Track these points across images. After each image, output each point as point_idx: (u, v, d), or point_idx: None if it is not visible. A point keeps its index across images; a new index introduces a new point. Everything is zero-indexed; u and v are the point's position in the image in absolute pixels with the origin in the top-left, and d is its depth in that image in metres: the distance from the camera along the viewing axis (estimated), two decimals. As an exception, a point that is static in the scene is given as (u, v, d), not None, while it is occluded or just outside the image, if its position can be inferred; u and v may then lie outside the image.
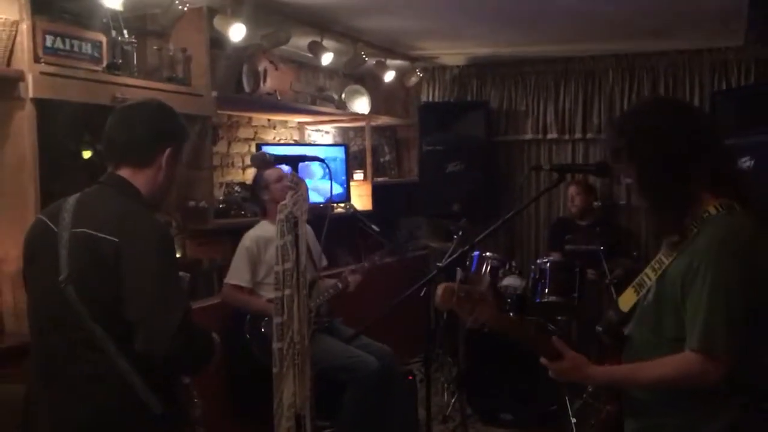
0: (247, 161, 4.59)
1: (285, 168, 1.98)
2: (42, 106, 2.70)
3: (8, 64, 2.64)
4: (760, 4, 3.73)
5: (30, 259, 1.88)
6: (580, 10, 4.00)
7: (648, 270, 1.76)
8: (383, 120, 5.69)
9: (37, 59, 2.68)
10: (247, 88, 4.17)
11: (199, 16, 3.57)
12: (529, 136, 5.64)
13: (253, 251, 3.40)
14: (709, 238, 1.60)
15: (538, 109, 5.59)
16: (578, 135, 5.46)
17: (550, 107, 5.54)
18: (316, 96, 5.09)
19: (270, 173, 3.51)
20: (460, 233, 4.33)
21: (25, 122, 2.66)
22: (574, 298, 4.15)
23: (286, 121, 5.07)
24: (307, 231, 3.66)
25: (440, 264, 2.75)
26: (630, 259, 4.50)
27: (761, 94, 4.65)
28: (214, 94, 3.64)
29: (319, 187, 4.63)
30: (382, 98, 5.80)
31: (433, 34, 4.69)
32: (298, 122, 5.20)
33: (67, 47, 2.81)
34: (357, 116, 5.26)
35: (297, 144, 5.14)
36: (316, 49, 4.33)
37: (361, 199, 5.21)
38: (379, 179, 5.63)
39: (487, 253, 4.53)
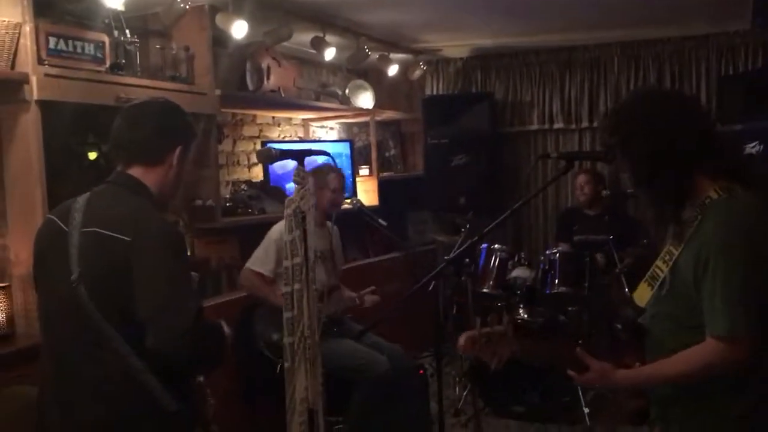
0: (253, 159, 4.58)
1: (291, 163, 1.97)
2: (46, 108, 2.70)
3: (12, 66, 2.64)
4: (765, -14, 3.70)
5: (40, 259, 1.88)
6: (583, -2, 3.98)
7: (659, 262, 1.76)
8: (387, 114, 5.67)
9: (40, 61, 2.69)
10: (250, 86, 4.16)
11: (200, 14, 3.57)
12: (535, 126, 5.61)
13: (281, 244, 3.41)
14: (714, 223, 1.61)
15: (543, 99, 5.56)
16: (585, 124, 5.43)
17: (556, 97, 5.51)
18: (319, 92, 5.08)
19: (335, 178, 3.58)
20: (467, 226, 4.31)
21: (30, 125, 2.66)
22: (584, 288, 4.13)
23: (290, 118, 5.06)
24: (334, 233, 3.73)
25: (448, 257, 2.73)
26: (640, 247, 4.47)
27: (769, 79, 4.61)
28: (218, 92, 3.63)
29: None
30: (386, 93, 5.78)
31: (435, 26, 4.67)
32: (303, 119, 5.19)
33: (70, 49, 2.82)
34: (361, 111, 5.25)
35: (302, 141, 5.13)
36: (318, 44, 4.31)
37: (367, 194, 5.20)
38: (385, 174, 5.62)
39: (496, 246, 4.52)
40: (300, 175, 1.89)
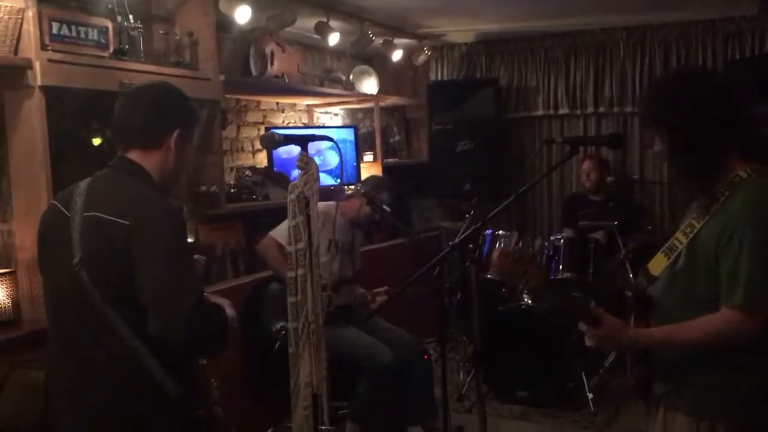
0: (257, 145, 4.58)
1: (294, 149, 1.97)
2: (50, 93, 2.70)
3: (15, 52, 2.64)
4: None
5: (44, 244, 1.89)
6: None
7: (679, 234, 1.79)
8: (392, 100, 5.65)
9: (44, 47, 2.68)
10: (254, 71, 4.15)
11: (204, 0, 3.55)
12: (540, 112, 5.59)
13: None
14: (743, 199, 1.65)
15: (548, 85, 5.53)
16: (590, 110, 5.41)
17: (561, 82, 5.48)
18: (323, 78, 5.06)
19: (386, 198, 3.72)
20: (472, 212, 4.31)
21: (34, 110, 2.66)
22: (588, 274, 4.13)
23: (294, 104, 5.05)
24: (358, 232, 3.78)
25: (452, 242, 2.73)
26: (644, 233, 4.46)
27: (776, 63, 4.57)
28: (222, 78, 3.62)
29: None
30: (390, 78, 5.76)
31: (440, 11, 4.64)
32: (307, 105, 5.17)
33: (74, 34, 2.80)
34: (365, 97, 5.23)
35: (306, 127, 5.12)
36: (322, 29, 4.30)
37: (371, 180, 5.19)
38: (389, 160, 5.61)
39: (500, 231, 4.52)
40: (304, 161, 1.89)
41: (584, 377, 4.05)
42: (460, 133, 5.40)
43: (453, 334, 4.85)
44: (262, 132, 4.62)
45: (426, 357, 3.79)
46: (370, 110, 5.56)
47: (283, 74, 4.37)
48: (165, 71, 3.22)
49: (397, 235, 5.13)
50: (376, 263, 3.79)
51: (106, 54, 2.94)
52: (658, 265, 1.82)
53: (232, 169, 4.36)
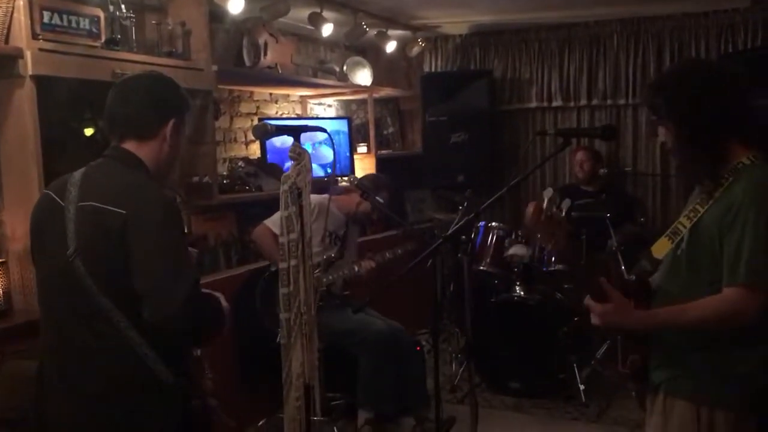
0: (250, 136, 4.57)
1: (287, 140, 1.97)
2: (42, 83, 2.68)
3: (6, 41, 2.62)
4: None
5: (37, 234, 1.88)
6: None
7: (682, 219, 1.82)
8: (386, 91, 5.64)
9: (35, 36, 2.66)
10: (247, 62, 4.14)
11: (197, -11, 3.53)
12: (533, 104, 5.59)
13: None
14: (746, 183, 1.69)
15: (542, 77, 5.53)
16: (583, 102, 5.41)
17: (555, 74, 5.48)
18: (317, 68, 5.04)
19: (385, 197, 3.74)
20: (465, 204, 4.32)
21: (25, 100, 2.64)
22: (581, 266, 4.14)
23: (287, 95, 5.03)
24: (354, 227, 3.79)
25: (445, 234, 2.74)
26: (637, 225, 4.48)
27: (768, 57, 4.59)
28: (215, 68, 3.61)
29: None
30: (384, 69, 5.74)
31: (434, 2, 4.62)
32: (300, 96, 5.16)
33: (65, 23, 2.78)
34: (359, 88, 5.22)
35: (299, 117, 5.11)
36: (316, 20, 4.28)
37: (365, 172, 5.18)
38: (383, 152, 5.60)
39: (493, 223, 4.53)
40: (296, 151, 1.89)
41: (576, 368, 4.08)
42: (453, 125, 5.40)
43: (446, 326, 4.87)
44: (256, 123, 4.60)
45: (418, 348, 3.81)
46: (363, 101, 5.55)
47: (276, 65, 4.35)
48: (157, 61, 3.20)
49: (390, 226, 5.13)
50: (377, 269, 3.81)
51: (97, 44, 2.92)
52: (661, 248, 1.84)
53: (224, 160, 4.35)
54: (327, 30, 4.35)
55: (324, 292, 3.49)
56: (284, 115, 4.98)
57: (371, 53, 5.61)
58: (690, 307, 1.71)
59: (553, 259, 4.23)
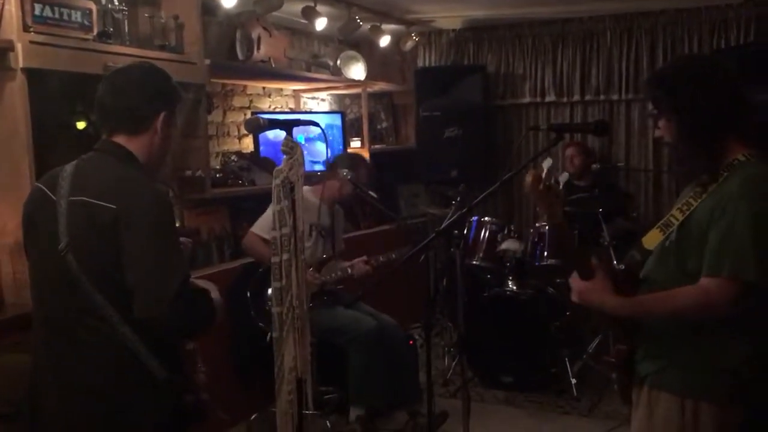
0: (243, 130, 4.56)
1: (279, 134, 1.96)
2: (33, 76, 2.67)
3: (-3, 33, 2.60)
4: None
5: (29, 228, 1.88)
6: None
7: (675, 211, 1.83)
8: (379, 86, 5.64)
9: (26, 28, 2.64)
10: (240, 56, 4.13)
11: (190, -18, 3.51)
12: (527, 99, 5.59)
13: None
14: (739, 179, 1.71)
15: (536, 72, 5.54)
16: (576, 97, 5.42)
17: (548, 70, 5.48)
18: (310, 63, 5.03)
19: (365, 175, 3.68)
20: (459, 199, 4.32)
21: (16, 93, 2.63)
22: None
23: (281, 89, 5.02)
24: (338, 213, 3.74)
25: (438, 228, 2.74)
26: (629, 220, 4.50)
27: (761, 52, 4.60)
28: (208, 61, 3.60)
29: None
30: (378, 64, 5.74)
31: (428, -4, 4.62)
32: (294, 90, 5.15)
33: (57, 15, 2.76)
34: (353, 83, 5.21)
35: (293, 112, 5.10)
36: (309, 14, 4.27)
37: (359, 166, 5.18)
38: (377, 146, 5.60)
39: (486, 218, 4.54)
40: (288, 145, 1.89)
41: (568, 363, 4.10)
42: (447, 120, 5.40)
43: (438, 320, 4.88)
44: (248, 117, 4.59)
45: (411, 342, 3.82)
46: (357, 96, 5.54)
47: (269, 59, 4.34)
48: (150, 54, 3.19)
49: (383, 221, 5.13)
50: (363, 249, 3.79)
51: (90, 36, 2.91)
52: (652, 239, 1.85)
53: (217, 154, 4.35)
54: (320, 24, 4.34)
55: (317, 293, 3.48)
56: (277, 109, 4.97)
57: (365, 48, 5.60)
58: (669, 295, 1.73)
59: (546, 254, 4.25)
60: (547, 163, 1.65)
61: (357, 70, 5.29)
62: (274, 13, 4.17)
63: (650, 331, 1.83)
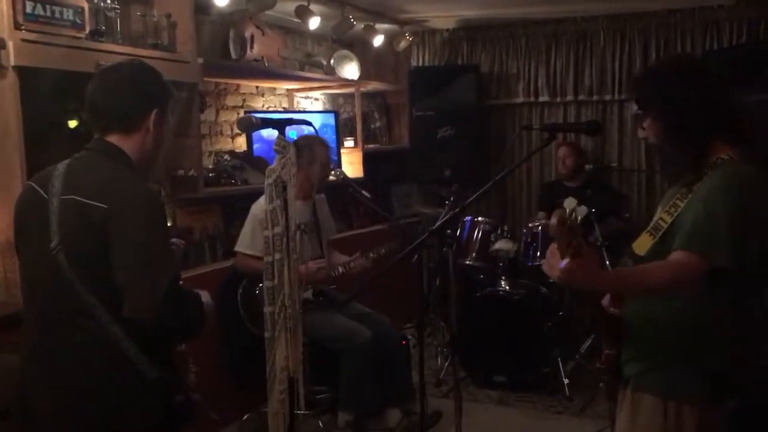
0: (236, 129, 4.55)
1: (272, 133, 1.96)
2: (25, 74, 2.66)
3: (-12, 31, 2.59)
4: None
5: (21, 226, 1.87)
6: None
7: (663, 214, 1.83)
8: (373, 86, 5.63)
9: (17, 26, 2.63)
10: (233, 55, 4.12)
11: (183, -19, 3.50)
12: (520, 99, 5.60)
13: (264, 222, 3.40)
14: (719, 176, 1.72)
15: (529, 72, 5.55)
16: (570, 97, 5.43)
17: (542, 70, 5.49)
18: (304, 62, 5.02)
19: (323, 152, 3.57)
20: (452, 198, 4.32)
21: (7, 91, 2.62)
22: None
23: (274, 88, 5.01)
24: (320, 203, 3.69)
25: (432, 228, 2.74)
26: (622, 220, 4.51)
27: (753, 54, 4.62)
28: (200, 60, 3.59)
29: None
30: (371, 64, 5.73)
31: (421, -4, 4.62)
32: (287, 89, 5.14)
33: (48, 13, 2.76)
34: (346, 82, 5.21)
35: (286, 111, 5.09)
36: (303, 13, 4.26)
37: (352, 166, 5.19)
38: (370, 146, 5.60)
39: (479, 218, 4.54)
40: (281, 145, 1.88)
41: (560, 363, 4.11)
42: (441, 120, 5.41)
43: (431, 320, 4.88)
44: (242, 115, 4.58)
45: (404, 342, 3.82)
46: (351, 95, 5.53)
47: (263, 58, 4.34)
48: (142, 53, 3.18)
49: (377, 220, 5.13)
50: (357, 249, 3.78)
51: (82, 35, 2.90)
52: (643, 244, 1.85)
53: (210, 153, 4.33)
54: (314, 23, 4.34)
55: (311, 297, 3.45)
56: (271, 109, 4.96)
57: (358, 47, 5.59)
58: (645, 269, 1.73)
59: (539, 254, 4.25)
60: (569, 203, 1.63)
61: (350, 70, 5.28)
62: (268, 12, 4.17)
63: (633, 333, 1.84)
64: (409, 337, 4.14)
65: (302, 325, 1.99)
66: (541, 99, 5.52)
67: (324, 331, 3.38)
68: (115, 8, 3.16)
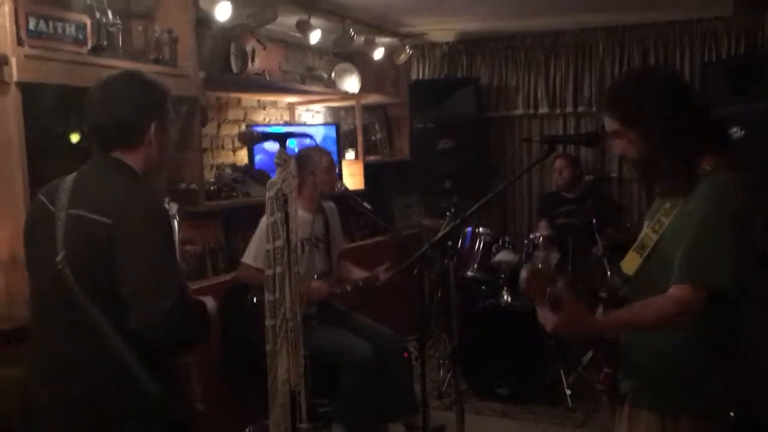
0: (238, 143, 4.56)
1: (274, 145, 1.97)
2: (27, 90, 2.67)
3: (-9, 47, 2.61)
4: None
5: (30, 239, 1.88)
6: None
7: (649, 231, 1.82)
8: (373, 98, 5.66)
9: (20, 42, 2.65)
10: (235, 69, 4.14)
11: (184, -4, 3.53)
12: (520, 111, 5.62)
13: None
14: (703, 189, 1.70)
15: (528, 84, 5.57)
16: (569, 109, 5.45)
17: (541, 82, 5.52)
18: (305, 75, 5.05)
19: (325, 158, 3.53)
20: (452, 210, 4.33)
21: (10, 107, 2.63)
22: (567, 271, 4.17)
23: (275, 102, 5.04)
24: (330, 212, 3.67)
25: (433, 240, 2.75)
26: (622, 231, 4.51)
27: (751, 65, 4.64)
28: (202, 74, 3.61)
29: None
30: (372, 76, 5.76)
31: (421, 9, 4.65)
32: (288, 102, 5.16)
33: (51, 30, 2.78)
34: (347, 95, 5.23)
35: (287, 124, 5.11)
36: (303, 27, 4.29)
37: (353, 178, 5.20)
38: (371, 158, 5.62)
39: (480, 229, 4.55)
40: (282, 158, 1.90)
41: (562, 374, 4.09)
42: (441, 132, 5.43)
43: (433, 332, 4.88)
44: (243, 129, 4.60)
45: (406, 355, 3.81)
46: (351, 108, 5.56)
47: (264, 71, 4.36)
48: (144, 68, 3.19)
49: (378, 232, 5.14)
50: (357, 261, 3.78)
51: (84, 50, 2.92)
52: (631, 263, 1.83)
53: (212, 166, 4.35)
54: (315, 37, 4.37)
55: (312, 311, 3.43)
56: (272, 122, 4.98)
57: (359, 60, 5.62)
58: (642, 310, 1.71)
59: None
60: (537, 257, 1.64)
61: (351, 83, 5.31)
62: (269, 27, 4.19)
63: (629, 351, 1.83)
64: (411, 349, 4.14)
65: (304, 339, 1.99)
66: (540, 111, 5.55)
67: (326, 345, 3.37)
68: (117, 24, 3.18)
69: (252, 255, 3.40)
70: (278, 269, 1.88)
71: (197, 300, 1.91)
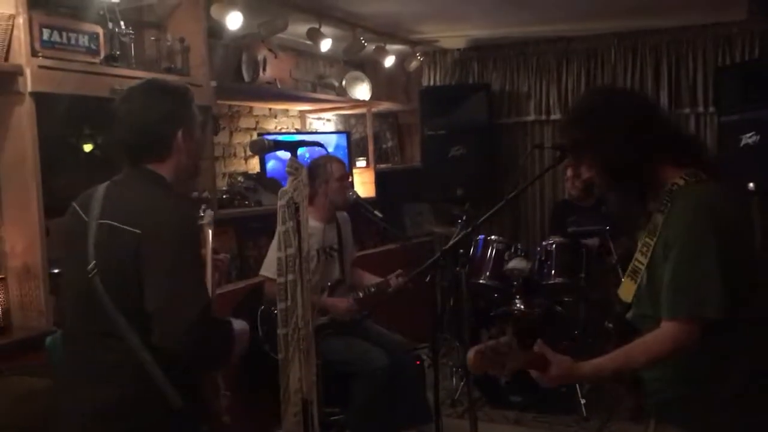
0: (250, 152, 4.58)
1: (286, 153, 1.97)
2: (41, 100, 2.70)
3: (6, 59, 2.63)
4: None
5: (66, 247, 1.89)
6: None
7: (638, 255, 1.76)
8: (384, 106, 5.67)
9: (34, 53, 2.67)
10: (246, 77, 4.16)
11: (195, 5, 3.55)
12: (531, 117, 5.60)
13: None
14: (681, 208, 1.64)
15: (540, 90, 5.56)
16: (581, 115, 5.41)
17: (553, 88, 5.50)
18: (316, 83, 5.07)
19: (337, 167, 3.52)
20: (464, 218, 4.31)
21: (24, 117, 2.65)
22: (580, 279, 4.14)
23: (287, 110, 5.05)
24: (344, 222, 3.66)
25: (444, 248, 2.74)
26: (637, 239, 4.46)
27: (765, 69, 4.60)
28: (214, 83, 3.63)
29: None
30: (382, 84, 5.77)
31: (432, 16, 4.65)
32: (300, 111, 5.18)
33: (64, 40, 2.80)
34: (358, 103, 5.24)
35: (299, 132, 5.13)
36: (314, 35, 4.31)
37: (364, 186, 5.20)
38: (382, 166, 5.62)
39: (492, 237, 4.52)
40: (293, 166, 1.89)
41: (577, 383, 4.06)
42: (452, 139, 5.42)
43: (446, 340, 4.85)
44: (254, 138, 4.62)
45: (418, 362, 3.79)
46: (362, 116, 5.57)
47: (275, 80, 4.38)
48: (156, 77, 3.21)
49: (388, 240, 5.13)
50: (368, 269, 3.77)
51: (97, 60, 2.94)
52: (627, 290, 1.79)
53: (224, 175, 4.36)
54: (325, 45, 4.38)
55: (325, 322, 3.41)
56: (283, 130, 5.00)
57: (370, 68, 5.64)
58: (634, 351, 1.66)
59: (553, 272, 4.23)
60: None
61: (362, 91, 5.32)
62: (280, 35, 4.21)
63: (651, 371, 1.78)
64: (424, 357, 4.12)
65: (316, 347, 1.99)
66: (552, 117, 5.52)
67: (340, 354, 3.35)
68: (130, 33, 3.20)
69: (270, 268, 3.35)
70: (290, 277, 1.87)
71: (223, 320, 1.89)
